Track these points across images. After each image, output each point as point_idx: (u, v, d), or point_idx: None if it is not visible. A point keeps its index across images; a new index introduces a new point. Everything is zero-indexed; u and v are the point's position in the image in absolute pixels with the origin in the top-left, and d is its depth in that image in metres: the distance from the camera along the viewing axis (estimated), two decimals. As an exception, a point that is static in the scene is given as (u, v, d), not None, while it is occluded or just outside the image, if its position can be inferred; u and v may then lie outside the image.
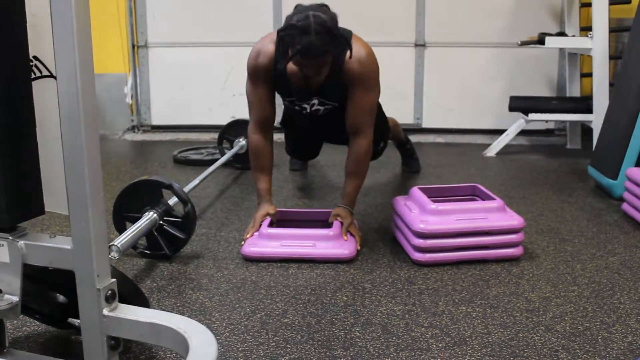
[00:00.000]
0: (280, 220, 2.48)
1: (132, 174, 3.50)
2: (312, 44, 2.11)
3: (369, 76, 2.36)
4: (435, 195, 2.43)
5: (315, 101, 2.48)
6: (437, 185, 2.57)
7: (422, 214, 2.27)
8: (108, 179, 3.40)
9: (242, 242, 2.33)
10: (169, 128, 4.83)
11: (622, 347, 1.67)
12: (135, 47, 4.72)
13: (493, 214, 2.28)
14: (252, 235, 2.34)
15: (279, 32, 2.20)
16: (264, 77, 2.41)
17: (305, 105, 2.52)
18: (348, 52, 2.24)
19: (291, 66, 2.26)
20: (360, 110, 2.39)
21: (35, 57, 1.22)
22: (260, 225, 2.35)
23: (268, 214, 2.41)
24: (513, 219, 2.28)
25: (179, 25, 4.71)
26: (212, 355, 1.04)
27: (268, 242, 2.27)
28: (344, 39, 2.21)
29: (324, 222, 2.43)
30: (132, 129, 4.83)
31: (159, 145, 4.45)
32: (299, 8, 2.22)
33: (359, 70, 2.33)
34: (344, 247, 2.27)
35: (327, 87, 2.40)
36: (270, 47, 2.36)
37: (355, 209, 2.48)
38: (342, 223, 2.37)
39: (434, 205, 2.27)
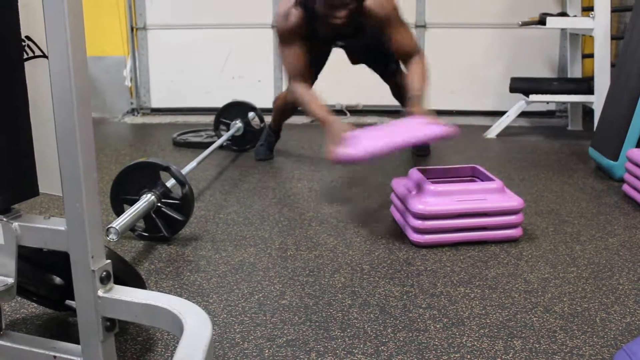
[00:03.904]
0: None
1: (131, 157, 3.49)
2: None
3: (391, 14, 2.66)
4: (435, 176, 2.43)
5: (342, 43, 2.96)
6: (437, 166, 2.56)
7: (421, 195, 2.26)
8: (107, 162, 3.39)
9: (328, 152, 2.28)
10: (169, 111, 4.82)
11: (620, 328, 1.67)
12: (134, 30, 4.69)
13: (492, 195, 2.28)
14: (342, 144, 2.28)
15: None
16: (297, 35, 2.67)
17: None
18: None
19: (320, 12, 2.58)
20: (402, 41, 2.71)
21: (27, 37, 1.21)
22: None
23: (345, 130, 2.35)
24: (512, 200, 2.27)
25: (177, 7, 4.67)
26: (207, 335, 1.04)
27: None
28: None
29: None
30: (132, 111, 4.81)
31: (159, 128, 4.44)
32: None
33: (379, 12, 2.62)
34: (442, 127, 2.34)
35: (351, 30, 2.74)
36: (293, 9, 2.66)
37: (353, 190, 2.48)
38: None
39: (433, 187, 2.26)
